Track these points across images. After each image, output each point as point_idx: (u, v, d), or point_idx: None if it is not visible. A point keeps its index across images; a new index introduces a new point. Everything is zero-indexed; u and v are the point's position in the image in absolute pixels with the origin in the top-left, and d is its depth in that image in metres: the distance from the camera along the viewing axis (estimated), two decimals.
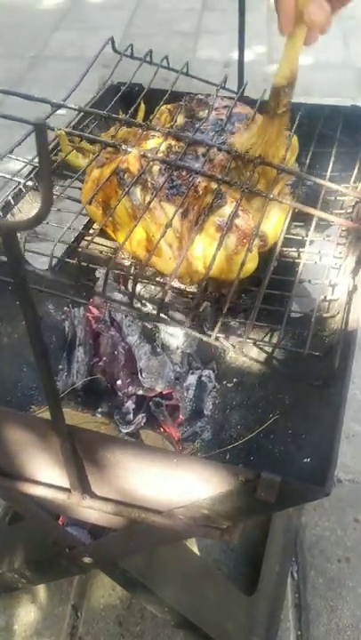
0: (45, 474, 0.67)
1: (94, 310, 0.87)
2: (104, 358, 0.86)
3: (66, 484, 0.66)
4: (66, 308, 0.91)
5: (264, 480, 0.54)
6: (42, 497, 0.68)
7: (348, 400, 1.37)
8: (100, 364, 0.87)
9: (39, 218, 0.42)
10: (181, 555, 0.94)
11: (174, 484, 0.61)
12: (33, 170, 0.92)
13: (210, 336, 0.65)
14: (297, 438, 0.66)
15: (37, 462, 0.66)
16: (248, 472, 0.55)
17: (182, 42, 2.99)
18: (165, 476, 0.60)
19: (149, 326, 0.83)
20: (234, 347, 0.66)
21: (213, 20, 3.24)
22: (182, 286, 0.83)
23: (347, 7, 0.65)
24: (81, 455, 0.62)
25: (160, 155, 0.79)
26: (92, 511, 0.68)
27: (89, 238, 0.81)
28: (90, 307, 0.86)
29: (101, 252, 0.88)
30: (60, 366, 0.88)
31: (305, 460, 0.61)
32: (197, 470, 0.57)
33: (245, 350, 0.67)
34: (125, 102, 1.05)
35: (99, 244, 0.88)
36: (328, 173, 0.93)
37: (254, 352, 0.73)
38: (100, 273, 0.89)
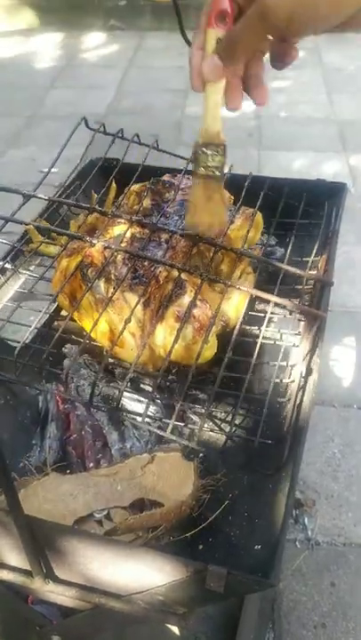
0: (9, 557, 0.70)
1: (62, 389, 0.91)
2: (75, 435, 0.89)
3: (28, 568, 0.69)
4: (40, 383, 0.95)
5: (212, 572, 0.57)
6: (6, 580, 0.70)
7: (327, 459, 1.40)
8: (72, 439, 0.90)
9: None
10: (155, 628, 0.95)
11: (131, 572, 0.63)
12: (10, 251, 0.97)
13: (165, 432, 0.69)
14: (251, 522, 0.68)
15: (2, 548, 0.69)
16: (197, 564, 0.57)
17: (172, 99, 3.11)
18: (121, 564, 0.63)
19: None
20: (188, 442, 0.70)
21: None
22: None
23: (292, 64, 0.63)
24: (41, 542, 0.65)
25: (124, 244, 0.84)
26: (54, 594, 0.70)
27: (57, 328, 0.83)
28: (57, 389, 0.89)
29: (70, 336, 0.92)
30: (34, 441, 0.91)
31: (256, 547, 0.64)
32: (150, 560, 0.60)
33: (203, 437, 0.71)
34: (104, 175, 1.10)
35: (68, 329, 0.92)
36: (289, 247, 0.98)
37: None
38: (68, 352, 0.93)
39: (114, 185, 1.01)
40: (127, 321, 0.76)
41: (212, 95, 0.64)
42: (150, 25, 4.03)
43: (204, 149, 0.68)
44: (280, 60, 0.61)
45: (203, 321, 0.78)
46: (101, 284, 0.80)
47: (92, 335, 0.79)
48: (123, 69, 3.50)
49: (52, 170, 2.61)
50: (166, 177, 0.99)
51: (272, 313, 0.87)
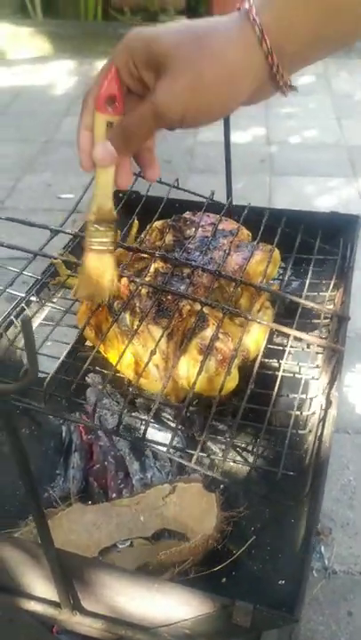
0: (38, 589, 0.72)
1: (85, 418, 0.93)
2: (97, 465, 0.91)
3: (56, 599, 0.70)
4: (63, 413, 0.97)
5: (239, 607, 0.58)
6: (34, 611, 0.72)
7: (342, 487, 1.40)
8: (94, 469, 0.92)
9: (27, 384, 0.48)
10: None
11: (158, 605, 0.65)
12: (35, 283, 1.00)
13: (190, 462, 0.70)
14: (274, 556, 0.70)
15: (31, 579, 0.70)
16: (224, 599, 0.59)
17: None
18: (149, 598, 0.64)
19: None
20: (212, 472, 0.71)
21: None
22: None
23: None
24: (70, 575, 0.66)
25: (148, 278, 0.87)
26: (81, 626, 0.71)
27: (81, 358, 0.85)
28: (80, 420, 0.91)
29: (93, 367, 0.94)
30: (58, 471, 0.93)
31: (280, 582, 0.65)
32: (177, 595, 0.61)
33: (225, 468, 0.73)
34: (123, 207, 1.12)
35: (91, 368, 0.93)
36: (307, 281, 1.00)
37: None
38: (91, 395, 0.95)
39: (136, 222, 1.04)
40: (153, 352, 0.78)
41: (103, 175, 0.65)
42: None
43: (96, 226, 0.69)
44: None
45: (225, 353, 0.80)
46: (127, 317, 0.83)
47: (118, 365, 0.81)
48: None
49: (69, 196, 2.65)
50: (187, 214, 1.02)
51: (291, 346, 0.89)
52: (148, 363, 0.77)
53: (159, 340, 0.79)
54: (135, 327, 0.81)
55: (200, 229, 0.98)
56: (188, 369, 0.80)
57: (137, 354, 0.81)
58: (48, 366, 0.89)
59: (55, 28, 4.34)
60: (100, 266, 0.73)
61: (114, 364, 0.84)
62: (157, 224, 1.00)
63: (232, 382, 0.80)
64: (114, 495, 0.90)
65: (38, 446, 0.93)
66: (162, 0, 4.29)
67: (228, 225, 1.01)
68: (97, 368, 0.89)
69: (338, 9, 0.50)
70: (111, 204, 0.68)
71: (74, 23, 4.40)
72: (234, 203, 1.15)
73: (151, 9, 4.32)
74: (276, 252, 0.98)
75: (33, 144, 3.04)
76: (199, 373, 0.76)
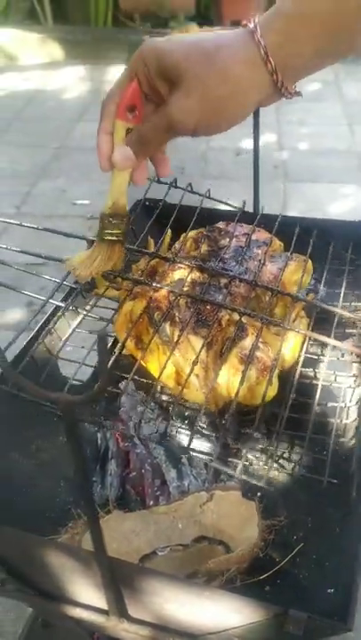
0: (85, 596, 0.72)
1: (121, 427, 0.93)
2: (134, 473, 0.92)
3: (103, 606, 0.71)
4: (99, 420, 0.98)
5: (292, 616, 0.59)
6: (82, 619, 0.73)
7: None
8: (131, 476, 0.93)
9: (95, 396, 0.49)
10: None
11: (207, 613, 0.65)
12: (69, 292, 1.01)
13: (234, 472, 0.71)
14: (321, 566, 0.70)
15: (79, 586, 0.71)
16: (276, 607, 0.59)
17: None
18: (199, 605, 0.65)
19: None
20: (261, 481, 0.72)
21: None
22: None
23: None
24: (120, 582, 0.67)
25: (186, 288, 0.88)
26: (128, 633, 0.72)
27: (127, 376, 0.86)
28: (116, 427, 0.92)
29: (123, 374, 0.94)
30: (95, 478, 0.93)
31: (329, 591, 0.66)
32: (228, 602, 0.62)
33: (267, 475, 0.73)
34: (158, 219, 1.14)
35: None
36: (342, 291, 1.01)
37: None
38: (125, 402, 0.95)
39: (169, 232, 1.06)
40: (195, 362, 0.79)
41: (120, 175, 0.71)
42: None
43: (110, 219, 0.77)
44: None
45: (266, 363, 0.81)
46: (167, 327, 0.84)
47: (156, 372, 0.82)
48: None
49: (84, 202, 2.67)
50: (221, 224, 1.03)
51: (326, 355, 0.90)
52: (190, 373, 0.78)
53: (200, 350, 0.80)
54: (176, 337, 0.82)
55: (234, 239, 0.99)
56: (229, 378, 0.81)
57: (177, 363, 0.82)
58: (81, 374, 0.91)
59: (65, 34, 4.37)
60: (111, 252, 0.81)
61: (153, 373, 0.85)
62: (192, 234, 1.01)
63: (273, 391, 0.81)
64: (151, 502, 0.91)
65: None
66: (172, 6, 4.32)
67: (261, 235, 1.02)
68: (135, 377, 0.90)
69: (336, 29, 0.55)
70: (125, 200, 0.75)
71: (84, 29, 4.44)
72: (251, 209, 1.16)
73: (161, 15, 4.35)
74: (310, 264, 0.99)
75: (46, 150, 3.06)
76: (241, 383, 0.77)
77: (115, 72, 4.08)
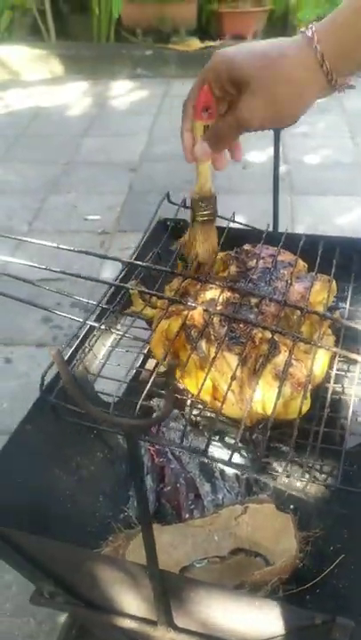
0: (133, 607, 0.75)
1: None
2: (169, 487, 0.95)
3: (150, 617, 0.74)
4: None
5: (339, 623, 0.62)
6: (129, 629, 0.75)
7: None
8: (166, 490, 0.96)
9: (158, 420, 0.53)
10: None
11: (254, 622, 0.68)
12: (102, 312, 1.04)
13: (274, 481, 0.74)
14: (357, 574, 0.73)
15: (127, 597, 0.74)
16: (324, 615, 0.62)
17: None
18: (246, 614, 0.68)
19: (205, 460, 0.92)
20: (304, 494, 0.75)
21: None
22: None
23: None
24: (168, 594, 0.70)
25: (219, 307, 0.92)
26: None
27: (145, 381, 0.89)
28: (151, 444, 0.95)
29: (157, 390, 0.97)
30: (131, 492, 0.96)
31: None
32: (278, 611, 0.65)
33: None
34: (175, 236, 1.17)
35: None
36: None
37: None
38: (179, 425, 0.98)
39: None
40: (233, 378, 0.82)
41: (203, 165, 0.84)
42: (175, 72, 4.19)
43: (200, 203, 0.90)
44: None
45: (300, 378, 0.84)
46: (203, 344, 0.87)
47: (194, 389, 0.85)
48: (152, 116, 3.64)
49: (95, 217, 2.71)
50: (247, 246, 1.07)
51: (354, 372, 0.93)
52: (229, 389, 0.82)
53: (237, 366, 0.84)
54: (212, 354, 0.85)
55: (261, 261, 1.03)
56: (264, 393, 0.84)
57: (214, 379, 0.85)
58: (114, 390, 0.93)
59: (68, 51, 4.43)
60: (205, 233, 0.93)
61: (190, 389, 0.88)
62: (221, 255, 1.05)
63: (307, 406, 0.84)
64: (186, 516, 0.94)
65: (112, 469, 0.97)
66: (173, 21, 4.38)
67: (286, 256, 1.06)
68: (178, 395, 0.93)
69: None
70: (210, 184, 0.88)
71: (87, 45, 4.50)
72: (261, 224, 1.20)
73: (163, 30, 4.41)
74: (334, 284, 1.03)
75: (54, 165, 3.10)
76: (278, 398, 0.80)
77: (117, 87, 4.13)
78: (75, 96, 4.04)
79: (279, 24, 4.52)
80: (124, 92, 4.09)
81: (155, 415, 0.93)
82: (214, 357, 0.84)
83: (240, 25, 4.35)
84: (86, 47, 4.47)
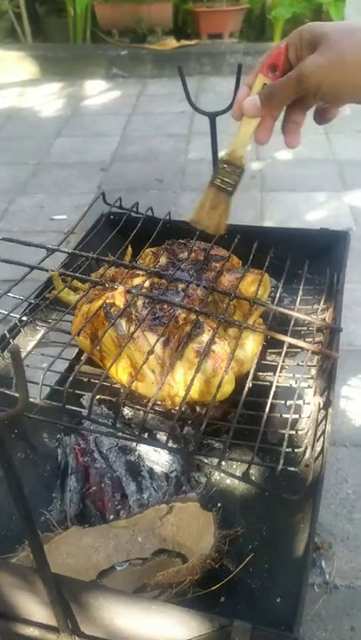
0: (36, 614, 0.71)
1: (81, 442, 0.92)
2: (94, 488, 0.91)
3: (54, 623, 0.70)
4: (58, 436, 0.97)
5: (237, 627, 0.58)
6: (33, 637, 0.71)
7: (341, 500, 1.40)
8: (91, 491, 0.92)
9: (20, 412, 0.49)
10: None
11: (156, 627, 0.64)
12: (28, 306, 1.00)
13: (189, 450, 0.70)
14: (272, 573, 0.69)
15: (28, 604, 0.70)
16: (222, 619, 0.59)
17: (175, 144, 3.20)
18: (147, 619, 0.64)
19: (133, 459, 0.88)
20: (215, 463, 0.71)
21: (204, 123, 3.47)
22: (164, 409, 0.89)
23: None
24: (67, 599, 0.66)
25: (144, 290, 0.88)
26: None
27: (77, 366, 0.87)
28: (76, 442, 0.91)
29: (89, 379, 0.95)
30: (54, 494, 0.92)
31: (278, 600, 0.65)
32: (175, 615, 0.61)
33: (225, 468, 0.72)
34: (113, 228, 1.14)
35: (87, 373, 0.94)
36: (298, 297, 1.02)
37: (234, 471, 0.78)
38: (86, 399, 0.95)
39: (130, 249, 1.06)
40: (150, 352, 0.78)
41: (246, 126, 0.76)
42: (151, 72, 4.17)
43: (225, 166, 0.80)
44: (320, 117, 0.77)
45: (222, 355, 0.80)
46: (123, 323, 0.83)
47: (113, 373, 0.81)
48: (126, 116, 3.61)
49: (61, 217, 2.66)
50: (180, 240, 1.04)
51: (281, 362, 0.90)
52: (144, 362, 0.78)
53: (156, 342, 0.80)
54: (131, 332, 0.81)
55: (192, 253, 1.00)
56: (185, 372, 0.80)
57: (133, 358, 0.82)
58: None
59: (45, 52, 4.39)
60: (217, 200, 0.81)
61: (114, 376, 0.84)
62: (151, 249, 1.01)
63: (229, 384, 0.81)
64: (111, 517, 0.90)
65: (34, 470, 0.93)
66: (150, 21, 4.36)
67: (219, 251, 1.03)
68: (92, 373, 0.89)
69: None
70: (244, 152, 0.78)
71: (63, 46, 4.46)
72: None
73: (139, 31, 4.39)
74: (266, 276, 0.99)
75: (25, 166, 3.06)
76: (196, 372, 0.77)
77: (93, 87, 4.10)
78: (50, 97, 4.00)
79: (258, 23, 4.50)
80: (99, 92, 4.05)
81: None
82: (132, 334, 0.80)
83: (217, 24, 4.33)
84: (62, 48, 4.44)
